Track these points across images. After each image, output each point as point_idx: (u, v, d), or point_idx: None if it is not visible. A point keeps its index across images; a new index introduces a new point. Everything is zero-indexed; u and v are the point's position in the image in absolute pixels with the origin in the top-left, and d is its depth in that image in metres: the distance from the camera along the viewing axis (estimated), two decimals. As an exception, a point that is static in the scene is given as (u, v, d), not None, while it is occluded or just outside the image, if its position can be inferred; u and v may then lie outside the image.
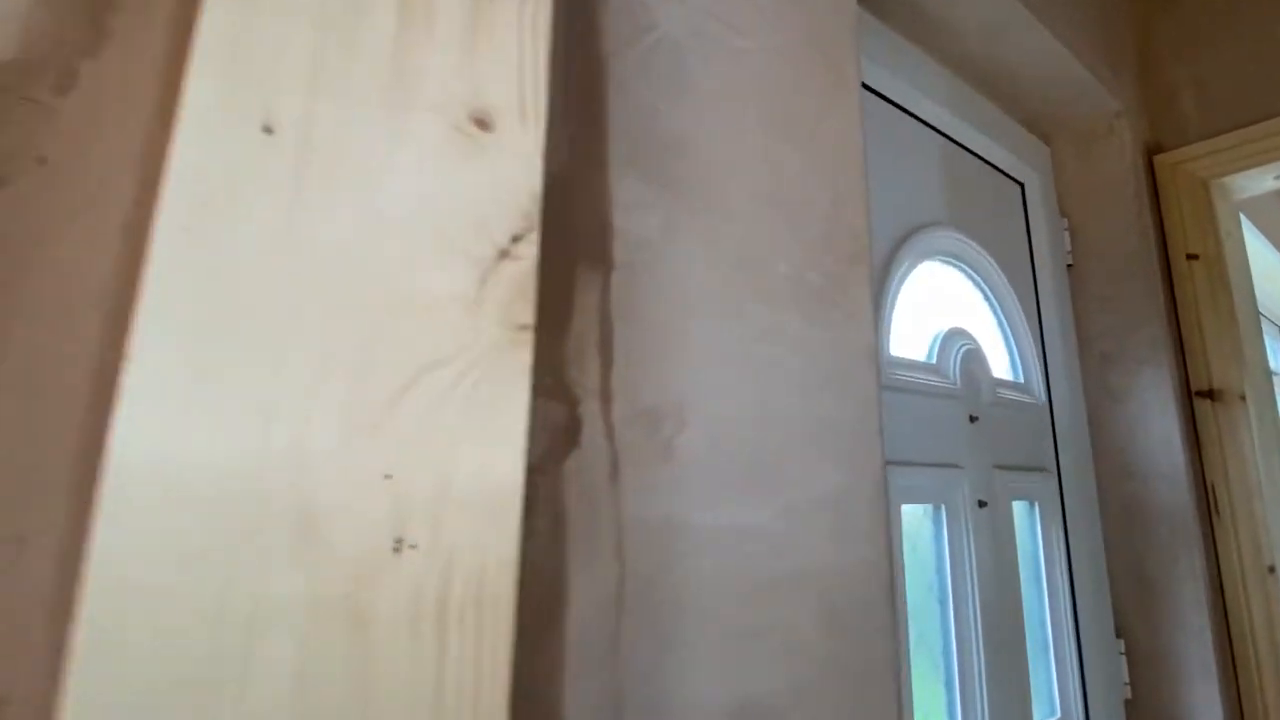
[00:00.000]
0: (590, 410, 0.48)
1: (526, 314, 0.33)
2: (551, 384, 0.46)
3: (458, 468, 0.30)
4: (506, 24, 0.36)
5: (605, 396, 0.49)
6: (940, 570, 1.06)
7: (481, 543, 0.30)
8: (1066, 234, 1.57)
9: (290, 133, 0.28)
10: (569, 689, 0.43)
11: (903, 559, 0.96)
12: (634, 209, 0.54)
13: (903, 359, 1.08)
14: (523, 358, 0.33)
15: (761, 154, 0.64)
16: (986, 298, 1.35)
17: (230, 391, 0.25)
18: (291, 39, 0.28)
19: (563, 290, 0.48)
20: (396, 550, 0.28)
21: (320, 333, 0.27)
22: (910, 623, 0.98)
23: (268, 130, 0.27)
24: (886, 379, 1.00)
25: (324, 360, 0.27)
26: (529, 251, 0.34)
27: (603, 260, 0.51)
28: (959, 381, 1.17)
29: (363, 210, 0.29)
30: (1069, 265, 1.55)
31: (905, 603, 0.94)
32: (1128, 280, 1.44)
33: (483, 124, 0.34)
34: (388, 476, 0.28)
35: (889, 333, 1.04)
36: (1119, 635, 1.32)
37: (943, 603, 1.05)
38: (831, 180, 0.71)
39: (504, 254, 0.33)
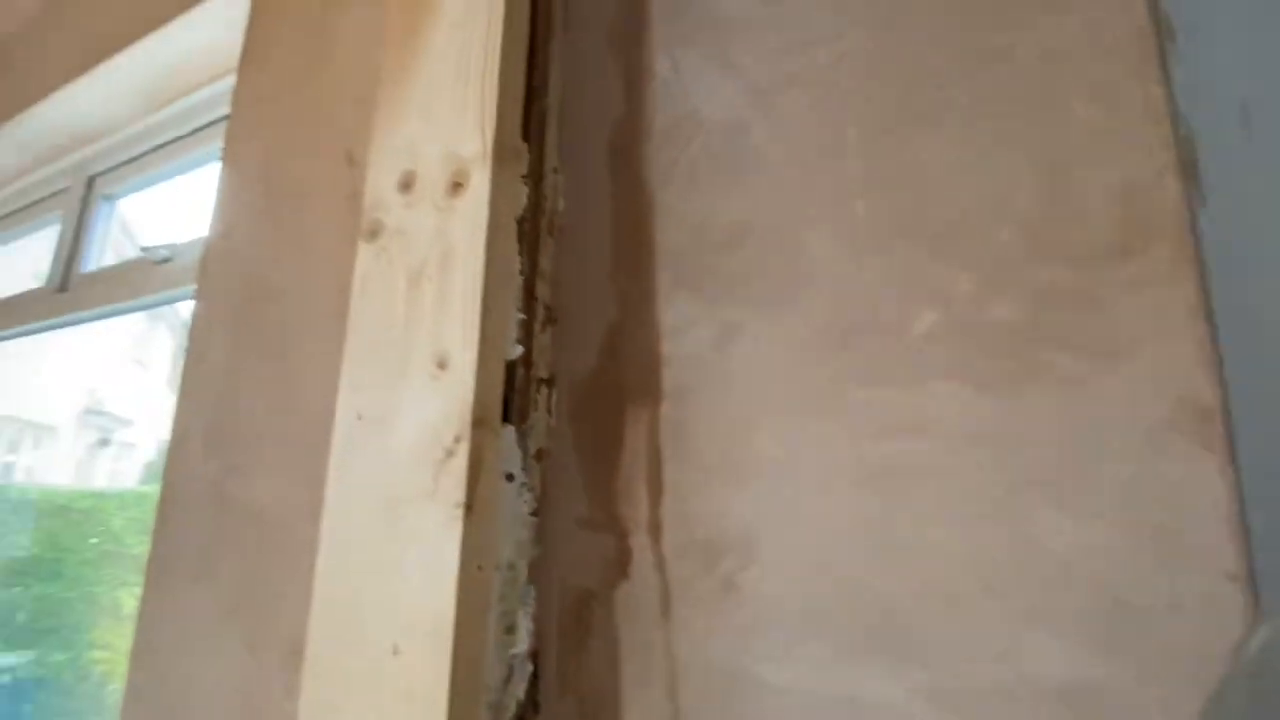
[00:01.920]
0: (639, 542, 0.50)
1: (460, 494, 0.46)
2: (602, 519, 0.52)
3: (421, 614, 0.46)
4: (463, 293, 0.50)
5: (655, 528, 0.50)
6: None
7: (429, 659, 0.44)
8: None
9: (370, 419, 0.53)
10: (626, 812, 0.47)
11: None
12: (684, 330, 0.52)
13: None
14: (454, 530, 0.45)
15: (863, 176, 0.47)
16: None
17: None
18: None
19: (610, 434, 0.53)
20: (394, 654, 0.46)
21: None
22: None
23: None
24: None
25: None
26: (464, 448, 0.47)
27: (651, 393, 0.53)
28: None
29: (380, 456, 0.50)
30: None
31: None
32: None
33: (442, 365, 0.50)
34: (391, 610, 0.47)
35: None
36: None
37: None
38: (1042, 126, 0.42)
39: (450, 453, 0.47)
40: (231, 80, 1.22)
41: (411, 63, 0.60)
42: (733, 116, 0.54)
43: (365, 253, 0.58)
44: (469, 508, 0.46)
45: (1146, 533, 0.35)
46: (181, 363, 0.89)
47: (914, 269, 0.45)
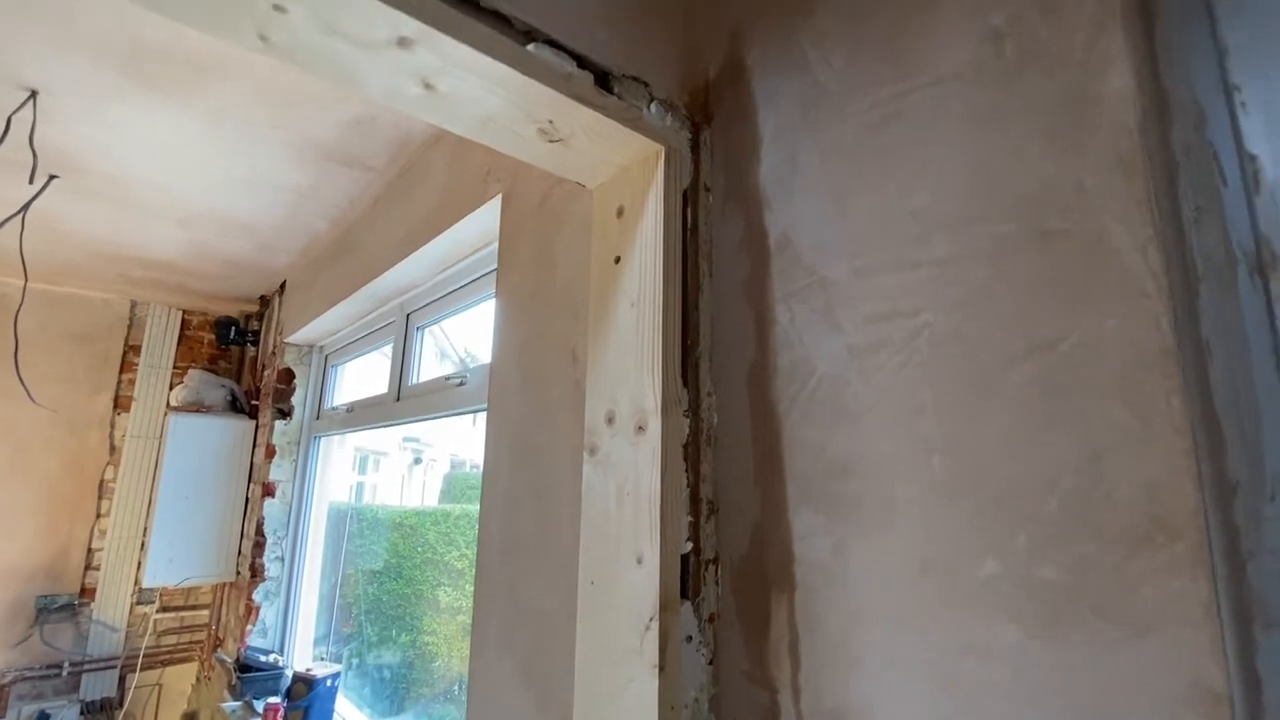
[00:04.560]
0: (785, 700, 0.68)
1: (655, 658, 0.69)
2: (759, 675, 0.71)
3: (639, 730, 0.70)
4: (649, 510, 0.74)
5: (795, 691, 0.67)
6: None
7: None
8: None
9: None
10: None
11: None
12: (808, 537, 0.69)
13: None
14: (653, 681, 0.68)
15: (937, 435, 0.59)
16: None
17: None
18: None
19: (761, 609, 0.72)
20: (623, 758, 0.71)
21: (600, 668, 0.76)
22: None
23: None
24: None
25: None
26: (656, 624, 0.70)
27: (788, 582, 0.70)
28: None
29: (606, 615, 0.76)
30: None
31: None
32: None
33: (639, 560, 0.73)
34: (620, 725, 0.72)
35: None
36: None
37: None
38: (1082, 415, 0.51)
39: (647, 628, 0.71)
40: (492, 248, 1.67)
41: (606, 326, 0.86)
42: (836, 369, 0.69)
43: (588, 464, 0.86)
44: (662, 668, 0.70)
45: (1168, 790, 0.44)
46: (481, 491, 1.29)
47: (978, 522, 0.56)
